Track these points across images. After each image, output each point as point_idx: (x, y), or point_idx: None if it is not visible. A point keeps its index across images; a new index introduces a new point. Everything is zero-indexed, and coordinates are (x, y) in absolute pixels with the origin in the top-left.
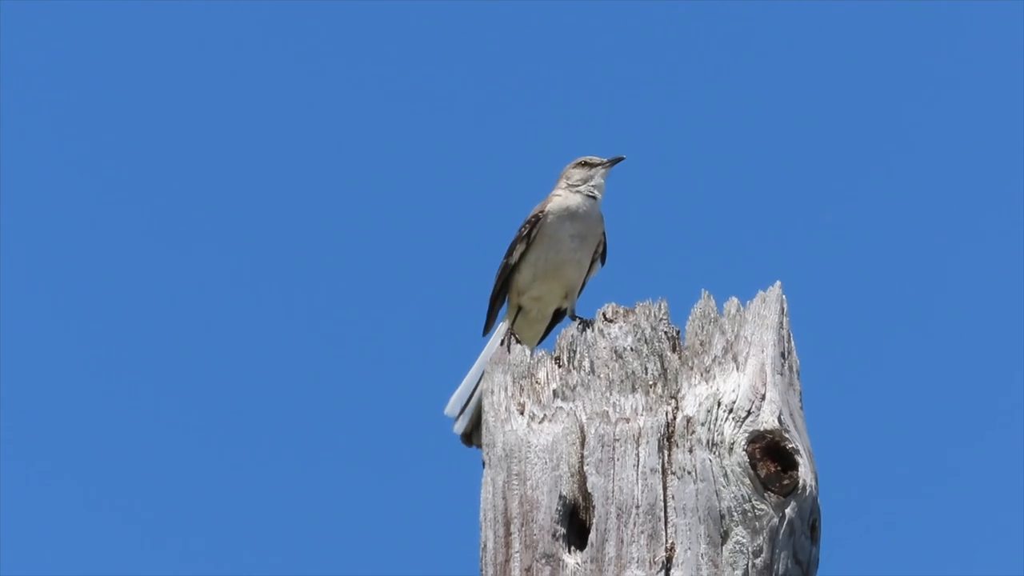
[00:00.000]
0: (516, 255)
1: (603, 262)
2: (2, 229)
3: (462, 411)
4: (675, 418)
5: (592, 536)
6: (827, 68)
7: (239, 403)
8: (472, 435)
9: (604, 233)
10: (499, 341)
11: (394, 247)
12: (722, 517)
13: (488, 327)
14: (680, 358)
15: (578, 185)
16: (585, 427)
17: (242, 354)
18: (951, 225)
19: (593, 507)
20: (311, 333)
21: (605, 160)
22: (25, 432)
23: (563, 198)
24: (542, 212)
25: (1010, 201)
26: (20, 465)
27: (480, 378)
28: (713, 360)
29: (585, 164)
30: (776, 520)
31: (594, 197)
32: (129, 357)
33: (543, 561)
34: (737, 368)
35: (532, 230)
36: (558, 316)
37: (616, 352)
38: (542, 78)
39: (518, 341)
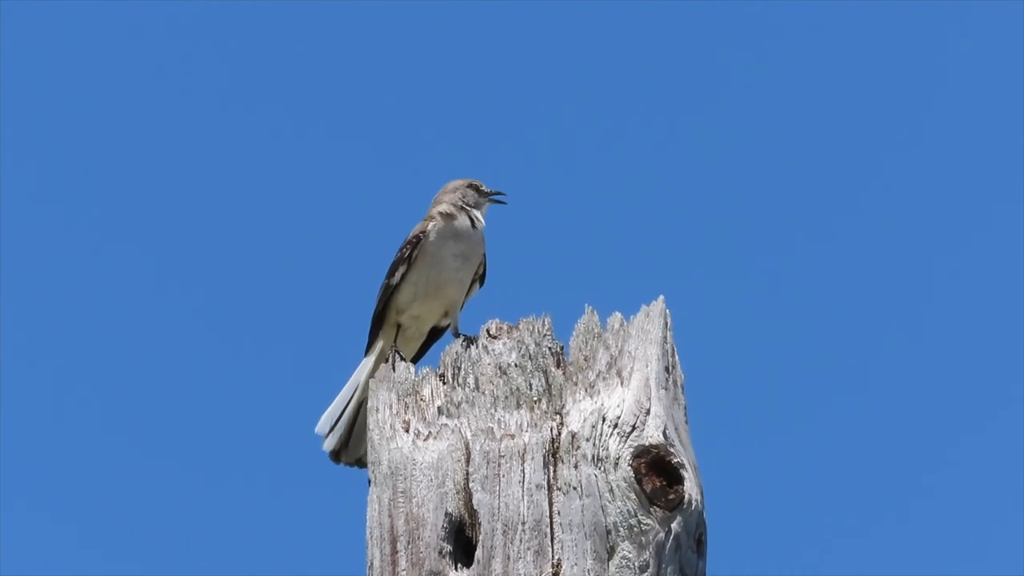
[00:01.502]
0: (398, 276)
1: (481, 283)
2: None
3: (332, 429)
4: (560, 434)
5: (479, 553)
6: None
7: (118, 405)
8: (341, 453)
9: (484, 255)
10: (372, 360)
11: (275, 266)
12: (608, 532)
13: (371, 346)
14: (564, 374)
15: (465, 207)
16: (470, 444)
17: (120, 358)
18: (838, 226)
19: (479, 524)
20: (188, 345)
21: (490, 192)
22: (18, 435)
23: (446, 218)
24: (423, 232)
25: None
26: (20, 464)
27: (352, 396)
28: (597, 375)
29: (474, 188)
30: (662, 535)
31: (476, 223)
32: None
33: None
34: (622, 383)
35: (413, 251)
36: (434, 334)
37: (500, 368)
38: (415, 86)
39: (402, 358)
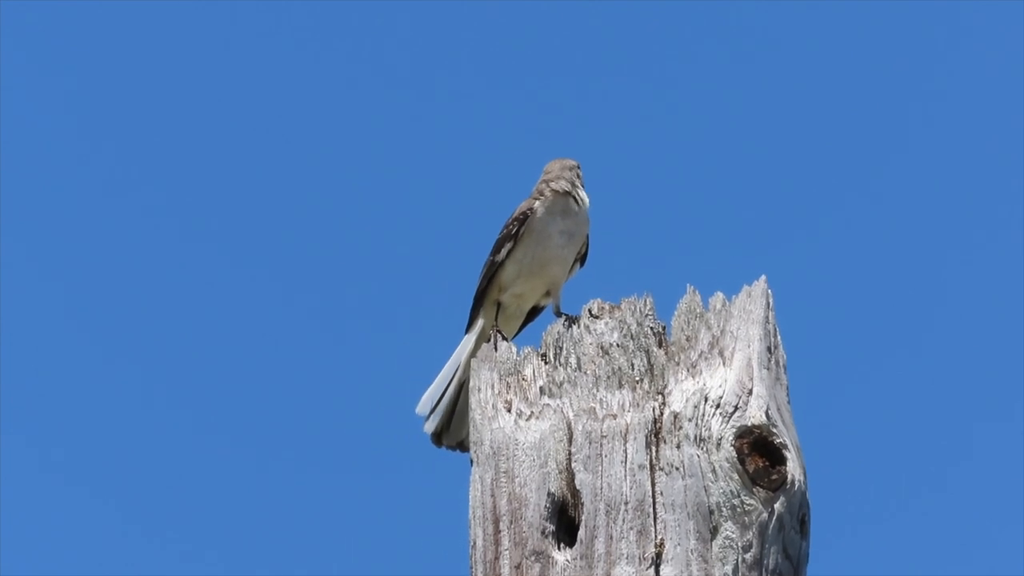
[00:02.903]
0: (503, 253)
1: (583, 263)
2: (2, 229)
3: (432, 410)
4: (662, 414)
5: (581, 533)
6: (815, 62)
7: (221, 404)
8: (443, 435)
9: (587, 235)
10: (474, 339)
11: (373, 245)
12: (711, 512)
13: (471, 324)
14: (666, 353)
15: (571, 185)
16: (572, 424)
17: (223, 355)
18: (942, 220)
19: (582, 504)
20: (290, 333)
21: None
22: (25, 431)
23: (554, 195)
24: (531, 209)
25: (1006, 197)
26: (20, 464)
27: (453, 376)
28: (699, 355)
29: (576, 168)
30: (765, 515)
31: (581, 202)
32: (119, 357)
33: (532, 558)
34: (724, 363)
35: (520, 228)
36: (532, 313)
37: (602, 348)
38: (522, 74)
39: (504, 338)
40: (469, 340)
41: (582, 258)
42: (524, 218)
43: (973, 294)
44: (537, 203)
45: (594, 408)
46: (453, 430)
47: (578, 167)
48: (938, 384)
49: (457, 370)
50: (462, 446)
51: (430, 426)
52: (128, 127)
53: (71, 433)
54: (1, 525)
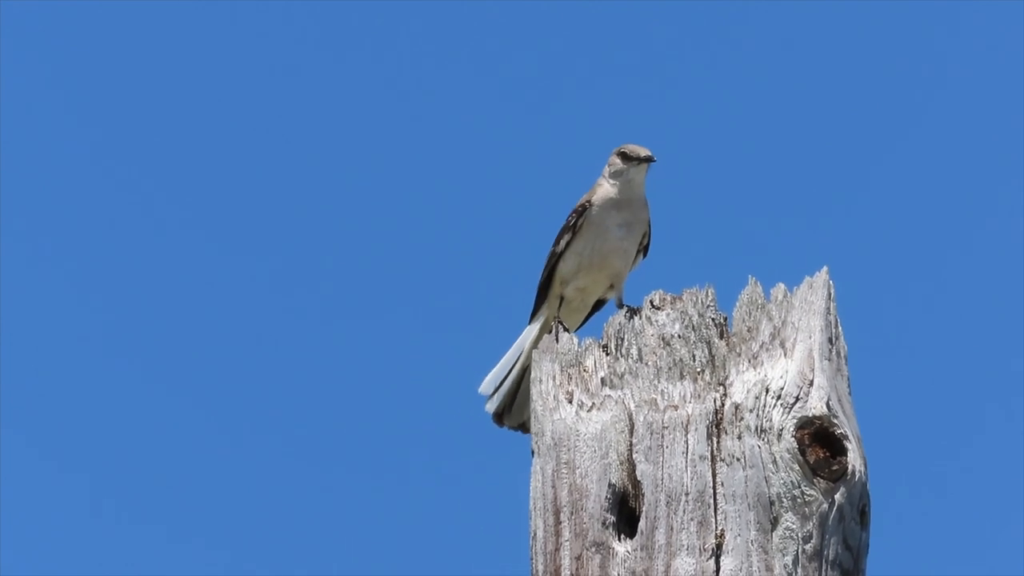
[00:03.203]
0: (563, 244)
1: (645, 254)
2: (2, 229)
3: (496, 391)
4: (723, 405)
5: (642, 524)
6: (869, 56)
7: (276, 399)
8: (504, 416)
9: (649, 223)
10: (537, 328)
11: (438, 237)
12: (771, 503)
13: (535, 314)
14: (727, 345)
15: (621, 174)
16: (634, 415)
17: (277, 347)
18: (1006, 213)
19: (642, 495)
20: (357, 321)
21: (642, 155)
22: (27, 431)
23: (608, 186)
24: (589, 201)
25: None
26: (21, 464)
27: (516, 361)
28: (761, 346)
29: (624, 155)
30: (826, 506)
31: (636, 189)
32: (149, 357)
33: (593, 549)
34: (785, 354)
35: (578, 220)
36: (597, 305)
37: (664, 339)
38: (585, 69)
39: (566, 329)
40: (532, 329)
41: (645, 248)
42: (583, 210)
43: None
44: (596, 194)
45: (655, 399)
46: (515, 411)
47: (625, 152)
48: (997, 377)
49: (520, 355)
50: (523, 427)
51: (491, 406)
52: (136, 128)
53: (71, 432)
54: (1, 525)
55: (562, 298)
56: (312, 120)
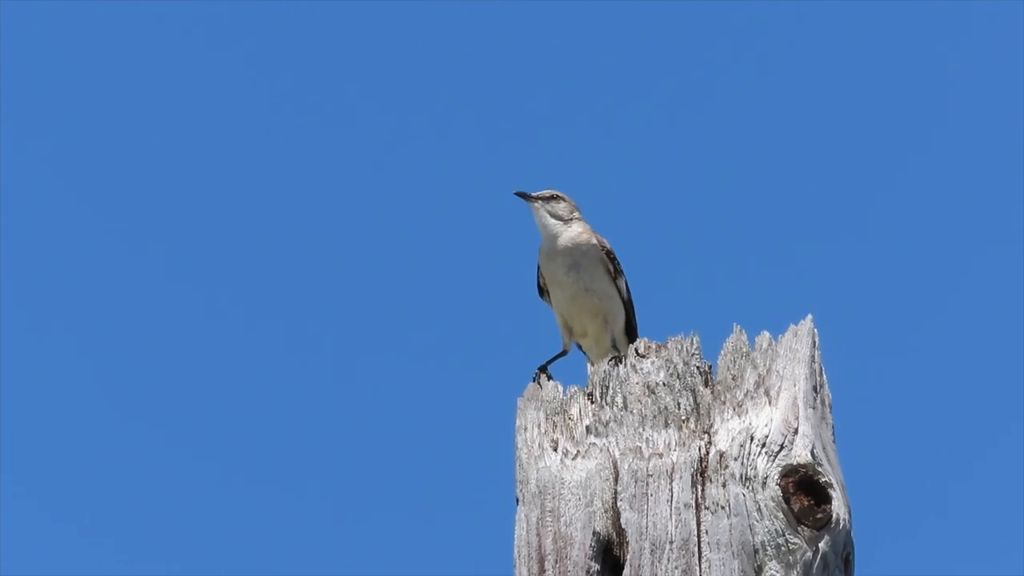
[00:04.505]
0: (547, 300)
1: (619, 276)
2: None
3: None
4: (708, 453)
5: (626, 572)
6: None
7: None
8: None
9: (603, 248)
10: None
11: (444, 246)
12: (756, 551)
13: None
14: (712, 393)
15: (550, 218)
16: (618, 463)
17: (276, 354)
18: (987, 253)
19: (627, 543)
20: (379, 339)
21: (534, 196)
22: (24, 437)
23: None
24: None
25: None
26: (15, 472)
27: None
28: (745, 394)
29: (534, 198)
30: (810, 554)
31: (548, 231)
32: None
33: None
34: (769, 402)
35: (539, 278)
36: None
37: (649, 387)
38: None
39: (549, 378)
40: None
41: (620, 272)
42: (539, 268)
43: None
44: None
45: (640, 447)
46: None
47: (550, 197)
48: (982, 426)
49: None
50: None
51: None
52: (137, 128)
53: (73, 431)
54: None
55: (579, 344)
56: (312, 121)
